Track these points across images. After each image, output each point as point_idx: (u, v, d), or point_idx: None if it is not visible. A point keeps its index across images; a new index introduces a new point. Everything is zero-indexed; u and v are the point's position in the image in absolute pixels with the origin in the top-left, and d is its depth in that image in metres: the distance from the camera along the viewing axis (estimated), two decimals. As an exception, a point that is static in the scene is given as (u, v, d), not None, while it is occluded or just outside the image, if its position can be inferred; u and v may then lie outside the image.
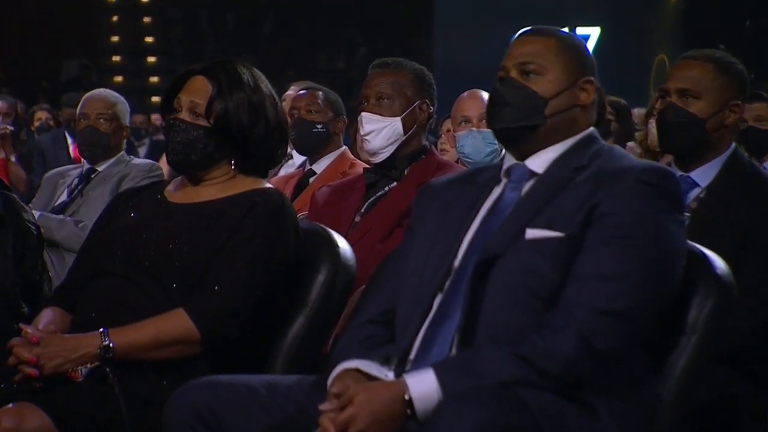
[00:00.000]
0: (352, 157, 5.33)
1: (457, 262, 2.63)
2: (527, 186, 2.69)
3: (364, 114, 4.09)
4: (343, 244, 3.22)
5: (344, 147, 5.37)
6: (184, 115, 3.17)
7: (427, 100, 4.12)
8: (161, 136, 12.35)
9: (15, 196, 3.83)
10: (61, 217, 5.25)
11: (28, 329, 2.99)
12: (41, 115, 10.81)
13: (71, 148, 9.06)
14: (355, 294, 3.36)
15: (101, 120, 5.43)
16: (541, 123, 2.70)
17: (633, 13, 13.59)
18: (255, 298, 3.03)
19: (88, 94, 5.63)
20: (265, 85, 3.23)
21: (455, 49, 13.21)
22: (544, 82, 2.72)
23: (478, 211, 2.70)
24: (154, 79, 19.59)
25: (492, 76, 2.80)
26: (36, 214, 4.90)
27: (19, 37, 17.81)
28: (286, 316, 3.14)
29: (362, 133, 4.09)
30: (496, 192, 2.72)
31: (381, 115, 4.06)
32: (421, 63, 4.22)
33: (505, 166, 2.75)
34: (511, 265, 2.54)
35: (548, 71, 2.73)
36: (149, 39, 20.10)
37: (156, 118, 13.26)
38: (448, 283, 2.62)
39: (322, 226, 3.32)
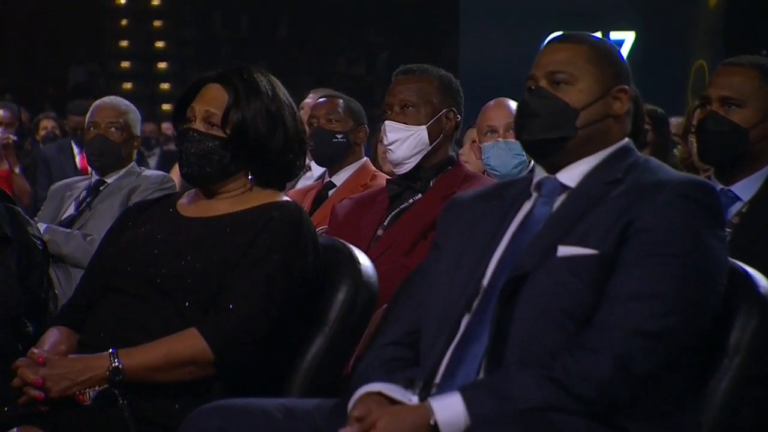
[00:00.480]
0: (373, 168, 5.32)
1: (485, 282, 2.63)
2: (559, 201, 2.68)
3: (387, 122, 4.08)
4: (364, 260, 3.22)
5: (365, 158, 5.36)
6: (198, 125, 3.17)
7: (454, 108, 4.12)
8: (172, 146, 12.36)
9: (19, 209, 3.83)
10: (68, 230, 5.25)
11: (35, 350, 2.99)
12: (47, 124, 10.77)
13: (78, 159, 9.04)
14: (377, 313, 3.36)
15: (112, 129, 5.42)
16: (572, 135, 2.70)
17: (670, 16, 13.53)
18: (272, 317, 3.03)
19: (98, 101, 5.60)
20: (283, 93, 3.24)
21: (482, 55, 13.17)
22: (575, 92, 2.72)
23: (507, 228, 2.69)
24: (165, 85, 19.67)
25: (520, 84, 2.80)
26: (42, 227, 4.92)
27: (23, 41, 17.89)
28: (305, 336, 3.14)
29: (386, 142, 4.08)
30: (526, 207, 2.72)
31: (406, 123, 4.06)
32: (445, 69, 4.22)
33: (535, 180, 2.74)
34: (541, 283, 2.54)
35: (579, 80, 2.72)
36: (160, 44, 20.18)
37: (167, 126, 13.28)
38: (476, 303, 2.61)
39: (342, 241, 3.32)
